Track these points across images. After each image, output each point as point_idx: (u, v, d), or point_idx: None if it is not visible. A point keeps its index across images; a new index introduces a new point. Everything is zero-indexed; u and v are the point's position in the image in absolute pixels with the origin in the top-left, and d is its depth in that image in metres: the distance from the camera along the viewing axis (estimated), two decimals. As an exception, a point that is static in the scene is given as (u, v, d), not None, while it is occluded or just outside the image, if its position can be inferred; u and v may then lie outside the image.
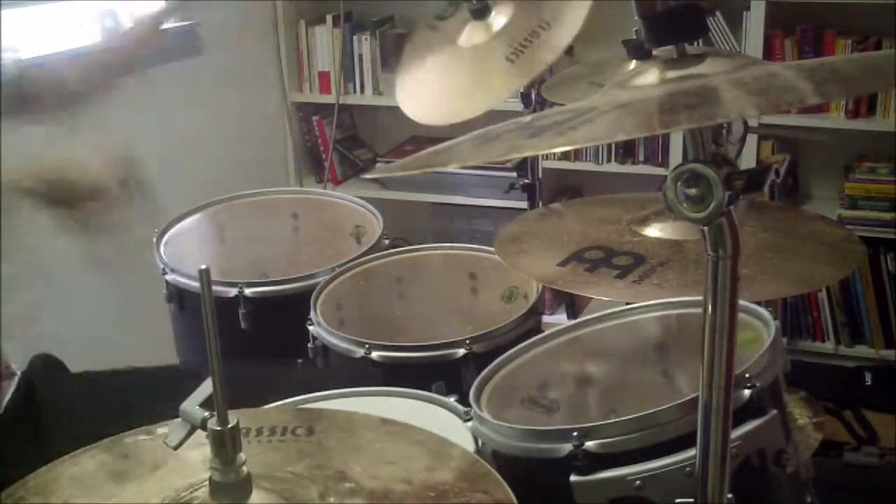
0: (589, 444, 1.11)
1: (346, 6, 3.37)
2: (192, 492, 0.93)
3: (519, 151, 0.82)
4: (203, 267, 0.84)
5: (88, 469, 1.02)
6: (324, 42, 3.41)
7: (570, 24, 1.56)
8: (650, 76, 0.87)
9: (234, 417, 0.89)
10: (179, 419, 0.91)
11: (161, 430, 1.02)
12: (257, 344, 1.74)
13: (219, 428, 0.88)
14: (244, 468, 0.90)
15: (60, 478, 1.00)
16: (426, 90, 1.70)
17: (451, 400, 1.33)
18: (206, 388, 0.89)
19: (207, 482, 0.91)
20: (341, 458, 1.01)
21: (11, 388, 1.53)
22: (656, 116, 0.79)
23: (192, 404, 0.90)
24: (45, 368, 1.57)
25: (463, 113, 1.54)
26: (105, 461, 1.04)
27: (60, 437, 1.33)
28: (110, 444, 1.06)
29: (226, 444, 0.89)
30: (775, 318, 1.28)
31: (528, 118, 0.84)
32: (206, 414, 0.89)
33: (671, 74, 0.85)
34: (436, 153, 0.83)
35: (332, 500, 0.93)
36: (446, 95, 1.68)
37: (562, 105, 1.43)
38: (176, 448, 0.91)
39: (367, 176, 3.50)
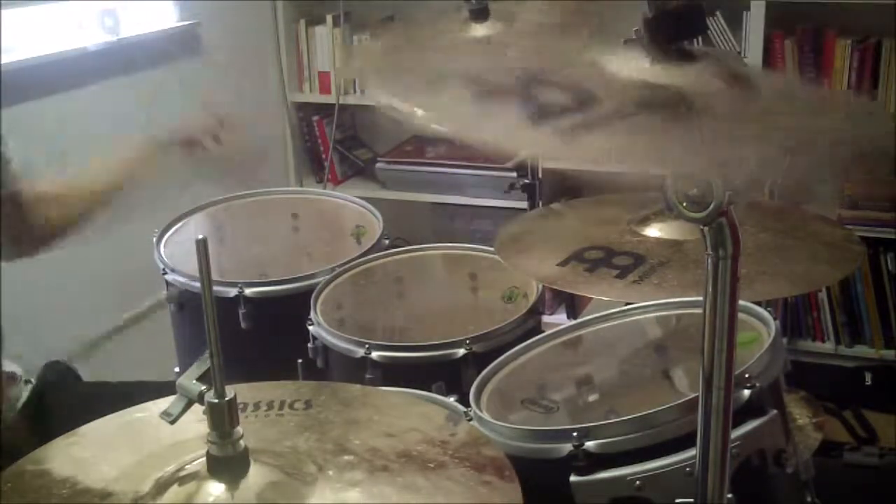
0: (589, 444, 1.11)
1: (346, 6, 3.36)
2: (189, 466, 0.93)
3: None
4: (200, 237, 0.84)
5: (87, 445, 1.03)
6: (324, 42, 3.40)
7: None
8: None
9: (231, 391, 0.89)
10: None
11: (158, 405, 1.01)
12: (257, 344, 1.74)
13: (216, 401, 0.88)
14: (242, 442, 0.90)
15: (59, 454, 1.01)
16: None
17: (451, 400, 1.33)
18: (203, 363, 0.89)
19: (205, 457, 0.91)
20: (340, 431, 1.01)
21: (25, 394, 1.53)
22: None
23: (189, 378, 0.89)
24: (58, 376, 1.57)
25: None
26: (104, 437, 1.05)
27: None
28: (108, 421, 1.07)
29: (223, 418, 0.88)
30: (775, 318, 1.28)
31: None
32: (203, 388, 0.89)
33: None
34: None
35: (330, 473, 0.93)
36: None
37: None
38: (173, 422, 0.91)
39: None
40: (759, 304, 1.32)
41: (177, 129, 1.74)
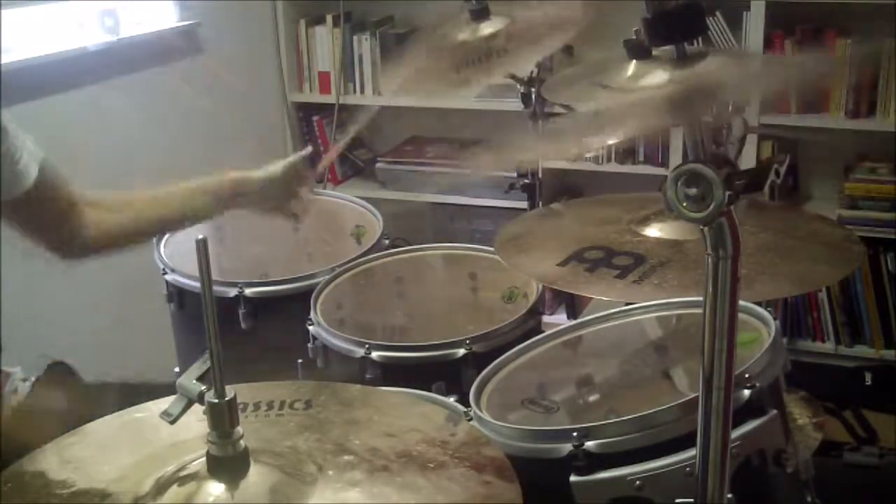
0: (589, 444, 1.11)
1: (346, 6, 3.37)
2: (189, 466, 0.93)
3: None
4: (200, 237, 0.84)
5: (87, 445, 1.03)
6: (324, 42, 3.40)
7: (521, 61, 1.59)
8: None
9: (231, 391, 0.89)
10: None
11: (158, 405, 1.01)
12: (257, 344, 1.74)
13: (216, 401, 0.88)
14: (242, 442, 0.90)
15: (60, 454, 1.01)
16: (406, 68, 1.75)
17: (451, 400, 1.33)
18: (203, 363, 0.89)
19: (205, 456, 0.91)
20: (340, 431, 1.01)
21: (24, 391, 1.53)
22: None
23: (189, 379, 0.89)
24: (58, 376, 1.57)
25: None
26: (104, 437, 1.05)
27: None
28: (108, 421, 1.07)
29: (223, 418, 0.89)
30: (775, 318, 1.28)
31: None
32: (204, 388, 0.89)
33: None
34: None
35: (330, 473, 0.94)
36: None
37: (562, 104, 1.43)
38: (173, 422, 0.91)
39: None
40: (759, 304, 1.32)
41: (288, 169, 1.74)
